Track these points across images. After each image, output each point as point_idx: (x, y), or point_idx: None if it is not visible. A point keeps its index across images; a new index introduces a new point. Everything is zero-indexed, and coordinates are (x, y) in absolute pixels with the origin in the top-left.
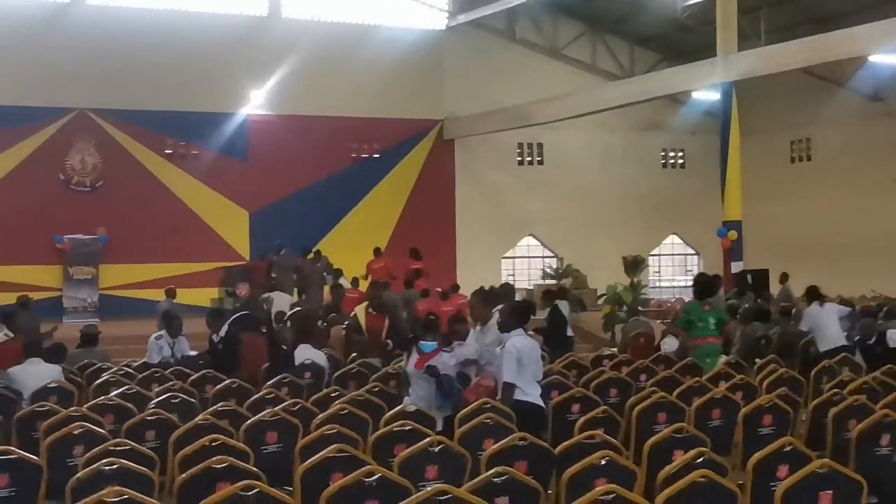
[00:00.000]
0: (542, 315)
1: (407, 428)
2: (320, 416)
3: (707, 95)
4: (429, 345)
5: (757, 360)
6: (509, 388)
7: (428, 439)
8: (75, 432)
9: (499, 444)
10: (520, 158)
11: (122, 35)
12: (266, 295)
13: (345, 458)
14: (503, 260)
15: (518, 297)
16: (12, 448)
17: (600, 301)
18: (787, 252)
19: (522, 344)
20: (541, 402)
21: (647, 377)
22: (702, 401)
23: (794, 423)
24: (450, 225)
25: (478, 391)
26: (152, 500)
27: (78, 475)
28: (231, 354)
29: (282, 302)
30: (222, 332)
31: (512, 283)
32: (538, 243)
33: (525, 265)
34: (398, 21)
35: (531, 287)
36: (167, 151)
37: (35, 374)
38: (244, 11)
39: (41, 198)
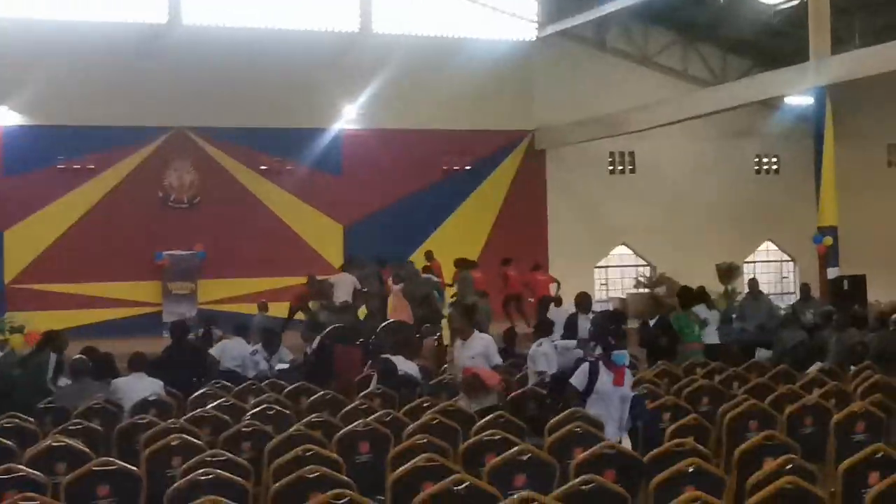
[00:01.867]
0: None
1: (497, 437)
2: (412, 425)
3: (800, 100)
4: (622, 355)
5: (852, 367)
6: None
7: (517, 447)
8: (173, 444)
9: (587, 452)
10: (611, 167)
11: (218, 55)
12: (328, 279)
13: (435, 467)
14: (596, 269)
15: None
16: (112, 459)
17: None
18: (885, 257)
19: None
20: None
21: (740, 385)
22: (794, 408)
23: (888, 429)
24: (542, 235)
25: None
26: None
27: (176, 485)
28: (324, 366)
29: (344, 286)
30: (314, 344)
31: (592, 293)
32: (630, 252)
33: (618, 274)
34: (487, 33)
35: (624, 296)
36: (262, 167)
37: (137, 387)
38: (336, 28)
39: (141, 215)
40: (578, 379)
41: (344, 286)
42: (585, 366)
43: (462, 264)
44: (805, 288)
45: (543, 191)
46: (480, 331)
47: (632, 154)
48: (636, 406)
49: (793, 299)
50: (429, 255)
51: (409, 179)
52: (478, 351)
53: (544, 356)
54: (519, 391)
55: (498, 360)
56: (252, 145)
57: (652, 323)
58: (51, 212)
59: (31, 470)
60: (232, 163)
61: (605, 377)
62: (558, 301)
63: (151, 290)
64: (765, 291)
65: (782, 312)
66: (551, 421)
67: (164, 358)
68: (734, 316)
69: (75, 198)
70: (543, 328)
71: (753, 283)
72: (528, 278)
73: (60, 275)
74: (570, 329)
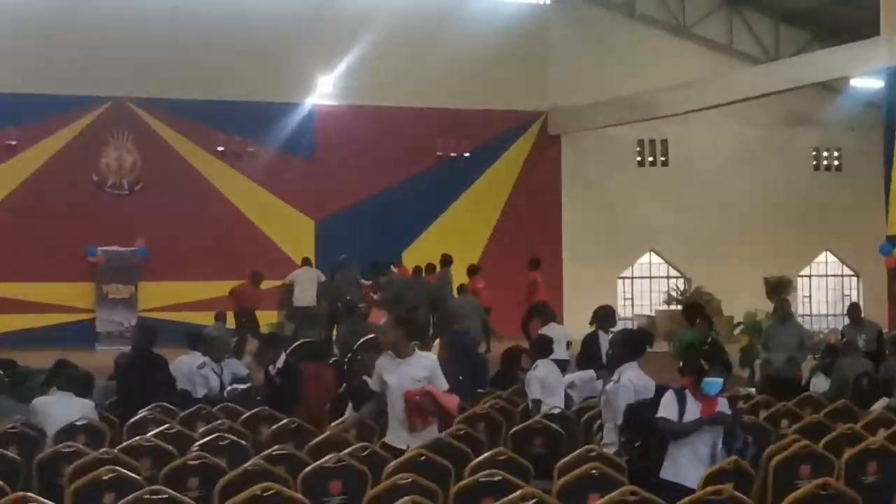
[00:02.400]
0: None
1: (497, 479)
2: (393, 462)
3: (868, 83)
4: (715, 384)
5: None
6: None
7: (520, 492)
8: (105, 478)
9: (605, 499)
10: (640, 158)
11: (168, 13)
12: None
13: None
14: (619, 280)
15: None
16: (32, 495)
17: (737, 331)
18: None
19: (639, 380)
20: None
21: (790, 422)
22: (855, 451)
23: None
24: (555, 239)
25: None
26: None
27: None
28: (290, 389)
29: (307, 282)
30: (279, 363)
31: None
32: (661, 261)
33: (646, 287)
34: None
35: (653, 314)
36: (219, 148)
37: (61, 408)
38: None
39: (71, 202)
40: (668, 410)
41: (306, 282)
42: (671, 394)
43: (447, 261)
44: (854, 310)
45: (557, 185)
46: (468, 352)
47: (664, 143)
48: (733, 438)
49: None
50: (472, 270)
51: (396, 167)
52: (423, 374)
53: (538, 382)
54: (521, 425)
55: (445, 386)
56: (206, 122)
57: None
58: None
59: None
60: (182, 142)
61: (692, 407)
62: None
63: (83, 292)
64: (824, 311)
65: (822, 338)
66: (561, 461)
67: (124, 366)
68: (759, 346)
69: None
70: (541, 348)
71: (782, 303)
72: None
73: None
74: (592, 349)
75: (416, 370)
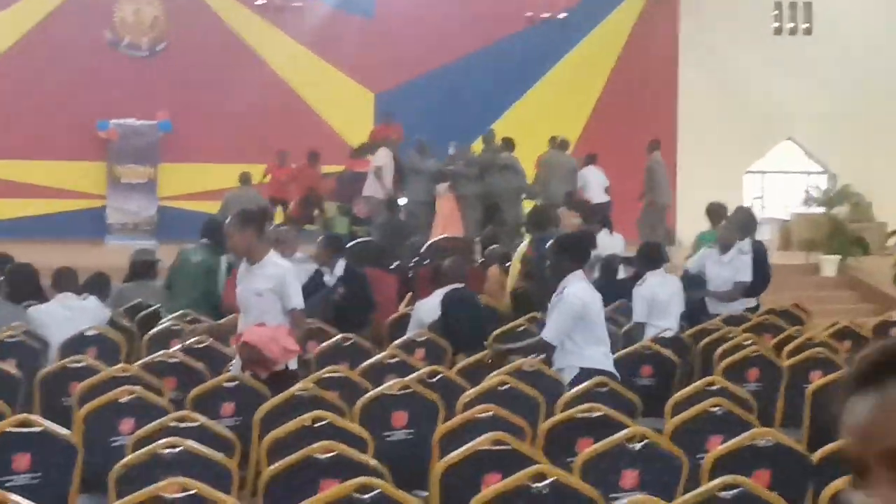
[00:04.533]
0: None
1: (597, 415)
2: (470, 391)
3: None
4: None
5: None
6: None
7: (626, 431)
8: (122, 400)
9: (730, 442)
10: (777, 24)
11: None
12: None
13: (504, 454)
14: (748, 176)
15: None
16: (35, 418)
17: (891, 242)
18: None
19: (585, 293)
20: (612, 369)
21: None
22: None
23: None
24: (668, 121)
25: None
26: (229, 497)
27: (125, 460)
28: (358, 299)
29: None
30: (339, 270)
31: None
32: (801, 151)
33: (781, 183)
34: None
35: (788, 217)
36: (258, 2)
37: (66, 315)
38: None
39: (79, 65)
40: None
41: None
42: None
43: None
44: None
45: (673, 57)
46: None
47: (808, 5)
48: None
49: None
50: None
51: (475, 30)
52: (266, 286)
53: (644, 301)
54: (624, 351)
55: (297, 302)
56: None
57: None
58: None
59: None
60: None
61: None
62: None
63: (91, 174)
64: None
65: None
66: (674, 396)
67: None
68: None
69: None
70: (650, 256)
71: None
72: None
73: None
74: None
75: (258, 281)
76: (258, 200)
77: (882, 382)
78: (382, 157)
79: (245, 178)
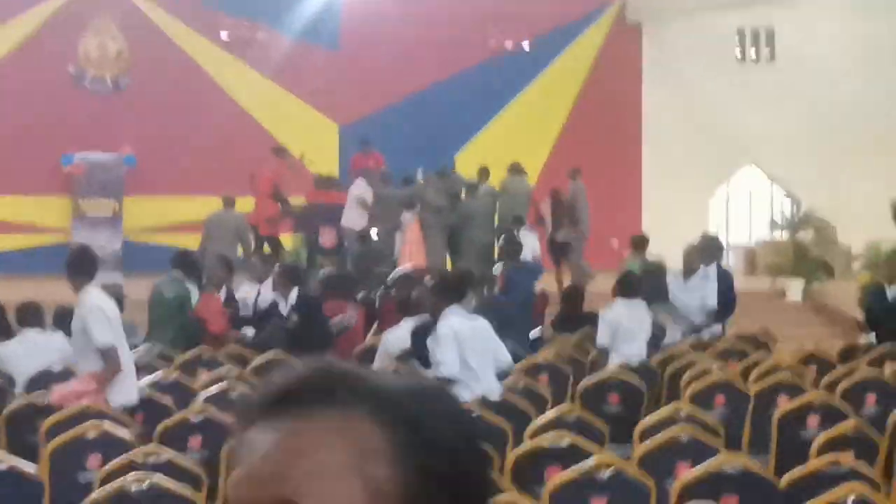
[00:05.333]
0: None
1: (564, 443)
2: None
3: None
4: None
5: None
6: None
7: (593, 459)
8: (89, 436)
9: (698, 468)
10: (740, 53)
11: None
12: None
13: None
14: (713, 201)
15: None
16: (1, 454)
17: (856, 265)
18: None
19: (461, 324)
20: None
21: None
22: None
23: None
24: (633, 149)
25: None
26: None
27: (92, 496)
28: (313, 330)
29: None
30: (292, 299)
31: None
32: (764, 177)
33: (745, 209)
34: None
35: (753, 245)
36: (223, 35)
37: (31, 350)
38: None
39: (43, 100)
40: None
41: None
42: None
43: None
44: None
45: (637, 85)
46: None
47: (771, 34)
48: None
49: None
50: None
51: (439, 61)
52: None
53: (608, 325)
54: (592, 378)
55: (100, 340)
56: (208, 1)
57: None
58: None
59: None
60: (178, 26)
61: None
62: None
63: (56, 209)
64: None
65: None
66: (642, 422)
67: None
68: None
69: None
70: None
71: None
72: None
73: None
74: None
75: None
76: (239, 222)
77: (286, 412)
78: (362, 187)
79: (228, 202)
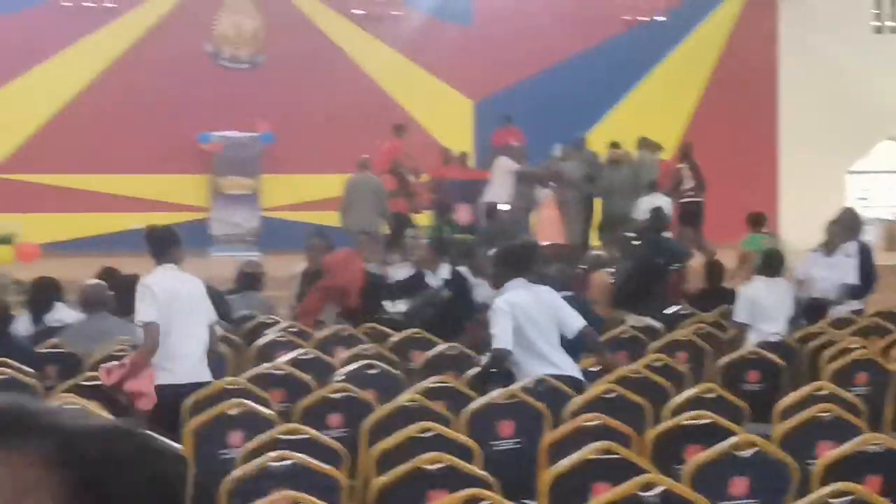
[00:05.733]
0: None
1: (704, 422)
2: (576, 399)
3: None
4: None
5: None
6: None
7: (735, 438)
8: (231, 413)
9: (841, 449)
10: (877, 23)
11: None
12: None
13: (612, 462)
14: (850, 176)
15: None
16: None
17: None
18: None
19: (518, 296)
20: (574, 373)
21: None
22: None
23: None
24: (768, 121)
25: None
26: None
27: (235, 473)
28: (461, 305)
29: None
30: (443, 273)
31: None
32: None
33: (885, 183)
34: None
35: (893, 218)
36: (357, 11)
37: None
38: None
39: (179, 79)
40: None
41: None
42: None
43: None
44: None
45: (773, 55)
46: None
47: None
48: None
49: None
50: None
51: (574, 34)
52: None
53: (747, 302)
54: (730, 356)
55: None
56: None
57: None
58: (50, 71)
59: None
60: (313, 3)
61: None
62: None
63: (194, 187)
64: None
65: None
66: (783, 401)
67: None
68: None
69: (86, 50)
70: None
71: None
72: None
73: (63, 162)
74: None
75: None
76: (376, 185)
77: None
78: (507, 163)
79: (363, 164)
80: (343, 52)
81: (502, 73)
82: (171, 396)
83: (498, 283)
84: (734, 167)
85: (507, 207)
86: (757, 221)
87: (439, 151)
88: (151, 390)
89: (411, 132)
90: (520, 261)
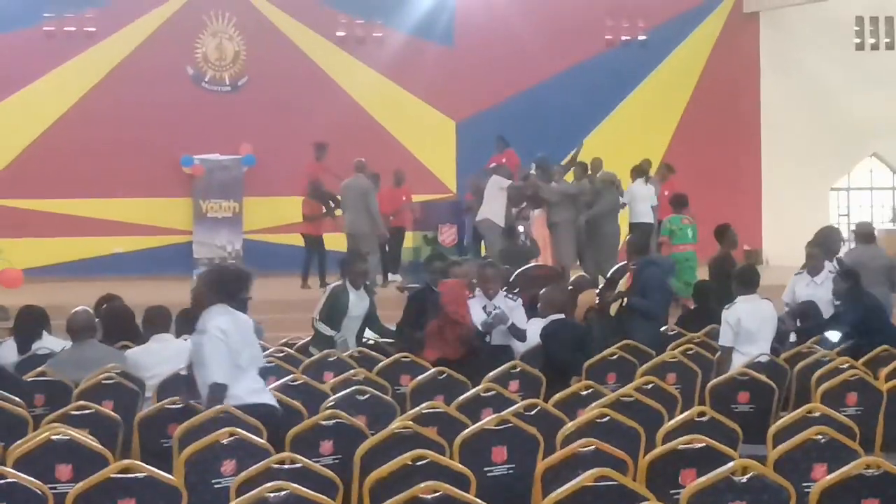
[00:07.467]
0: None
1: (698, 446)
2: (569, 424)
3: None
4: None
5: None
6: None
7: (732, 464)
8: (224, 441)
9: (838, 472)
10: (859, 41)
11: None
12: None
13: (609, 489)
14: (833, 193)
15: None
16: (139, 463)
17: None
18: None
19: (227, 323)
20: (266, 400)
21: None
22: None
23: None
24: (752, 139)
25: None
26: None
27: None
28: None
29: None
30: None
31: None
32: (886, 168)
33: (866, 200)
34: None
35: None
36: (339, 34)
37: (162, 355)
38: None
39: (162, 102)
40: None
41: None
42: None
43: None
44: None
45: (755, 74)
46: None
47: (889, 19)
48: None
49: None
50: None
51: (555, 55)
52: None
53: (730, 325)
54: (721, 377)
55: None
56: (325, 1)
57: None
58: (32, 96)
59: (21, 475)
60: (295, 25)
61: None
62: None
63: (177, 210)
64: None
65: None
66: (776, 424)
67: None
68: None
69: (67, 75)
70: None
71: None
72: None
73: (46, 186)
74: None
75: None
76: (364, 187)
77: None
78: (500, 182)
79: (358, 166)
80: (325, 73)
81: (484, 93)
82: None
83: (203, 305)
84: (717, 184)
85: (521, 228)
86: (680, 202)
87: (392, 173)
88: None
89: (396, 152)
90: (230, 288)
